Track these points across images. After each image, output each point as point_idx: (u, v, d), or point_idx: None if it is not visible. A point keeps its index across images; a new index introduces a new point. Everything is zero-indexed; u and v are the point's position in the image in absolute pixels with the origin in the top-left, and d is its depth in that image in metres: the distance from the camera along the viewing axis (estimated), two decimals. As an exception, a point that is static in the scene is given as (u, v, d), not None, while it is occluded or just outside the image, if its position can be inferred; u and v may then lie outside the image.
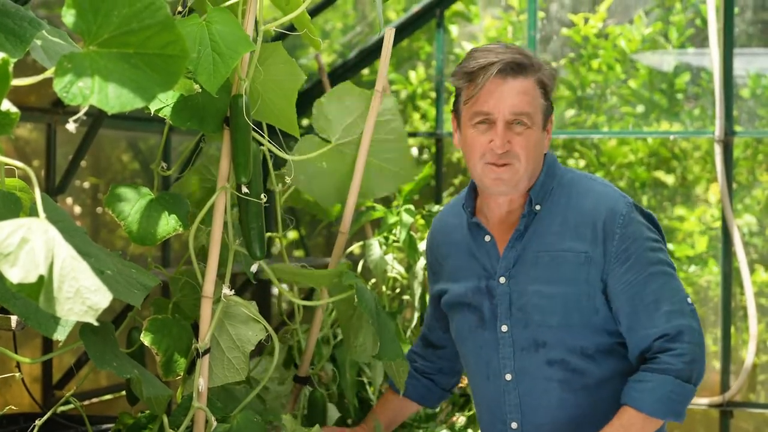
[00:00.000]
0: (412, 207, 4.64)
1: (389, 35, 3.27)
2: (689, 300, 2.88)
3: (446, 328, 3.25)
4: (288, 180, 3.19)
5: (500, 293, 2.97)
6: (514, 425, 2.98)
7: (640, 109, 6.64)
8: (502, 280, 2.97)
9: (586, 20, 6.64)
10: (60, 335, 2.38)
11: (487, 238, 3.00)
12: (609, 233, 2.85)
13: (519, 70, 2.84)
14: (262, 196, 3.01)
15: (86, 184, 5.21)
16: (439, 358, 3.35)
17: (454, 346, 3.26)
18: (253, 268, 3.18)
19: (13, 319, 2.64)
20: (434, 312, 3.29)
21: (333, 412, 3.58)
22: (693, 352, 2.82)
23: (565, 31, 6.72)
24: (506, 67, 2.83)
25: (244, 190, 2.97)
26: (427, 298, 4.78)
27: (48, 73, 2.05)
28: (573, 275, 2.87)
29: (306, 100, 6.20)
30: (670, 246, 6.44)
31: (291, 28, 3.29)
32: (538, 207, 2.93)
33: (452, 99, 3.04)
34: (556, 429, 2.93)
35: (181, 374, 3.03)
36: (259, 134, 3.02)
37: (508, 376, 2.98)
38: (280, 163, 3.23)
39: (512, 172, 2.88)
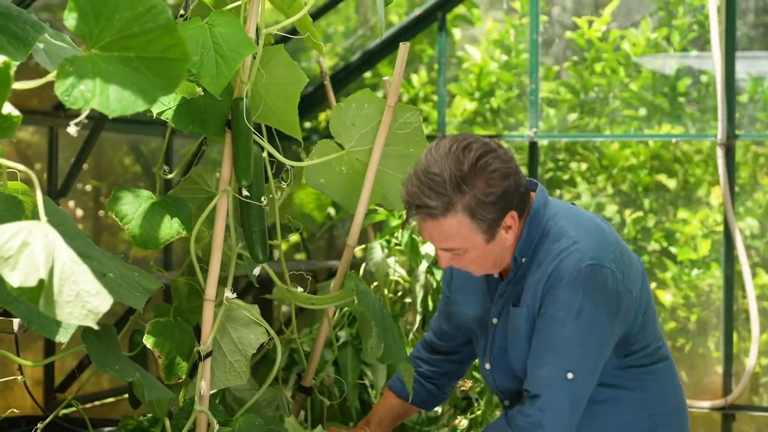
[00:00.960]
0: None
1: (404, 50, 3.23)
2: (570, 375, 2.85)
3: (466, 338, 3.29)
4: (284, 186, 3.19)
5: (491, 333, 3.06)
6: None
7: (642, 112, 6.64)
8: (495, 320, 3.04)
9: (590, 23, 6.64)
10: (62, 337, 2.38)
11: (495, 274, 3.05)
12: (546, 292, 2.89)
13: (434, 216, 2.81)
14: (263, 199, 3.01)
15: (88, 187, 5.22)
16: (448, 362, 3.38)
17: (465, 352, 3.34)
18: (256, 271, 3.18)
19: (15, 321, 2.64)
20: (446, 319, 3.32)
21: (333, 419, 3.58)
22: (539, 418, 2.85)
23: (568, 34, 6.72)
24: (422, 215, 2.83)
25: (245, 193, 2.98)
26: (429, 300, 4.78)
27: (50, 77, 2.05)
28: (523, 329, 2.95)
29: (308, 104, 6.21)
30: (673, 249, 6.44)
31: (293, 31, 3.29)
32: (523, 260, 2.95)
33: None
34: None
35: (183, 377, 3.03)
36: (261, 139, 3.02)
37: (507, 402, 3.11)
38: (280, 167, 3.23)
39: (473, 270, 2.97)
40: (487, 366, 3.06)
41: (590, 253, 2.86)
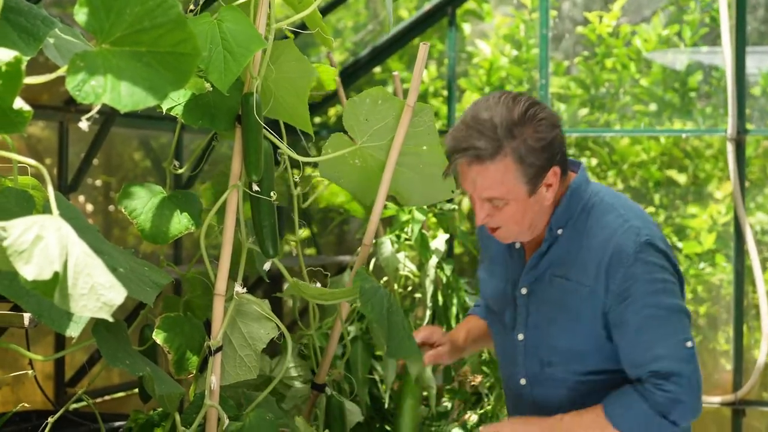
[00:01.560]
0: (424, 206, 4.64)
1: (424, 50, 3.22)
2: (689, 343, 2.87)
3: None
4: (296, 180, 3.19)
5: (520, 303, 3.02)
6: None
7: (652, 107, 6.63)
8: (524, 291, 3.01)
9: (601, 18, 6.63)
10: (73, 332, 2.38)
11: (518, 245, 3.05)
12: (612, 271, 2.85)
13: (481, 159, 2.81)
14: (272, 194, 3.01)
15: (98, 182, 5.23)
16: None
17: None
18: (266, 266, 3.18)
19: (26, 316, 2.65)
20: None
21: (356, 416, 3.56)
22: (678, 393, 2.83)
23: (579, 29, 6.71)
24: (469, 158, 2.82)
25: (255, 188, 2.98)
26: (439, 296, 4.79)
27: (61, 72, 2.05)
28: (578, 306, 2.91)
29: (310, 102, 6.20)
30: (680, 244, 6.43)
31: (303, 26, 3.29)
32: (560, 231, 2.94)
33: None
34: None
35: (193, 372, 3.03)
36: (272, 134, 3.02)
37: (523, 381, 3.05)
38: (294, 162, 3.23)
39: (504, 233, 2.94)
40: (520, 337, 3.02)
41: (644, 231, 2.88)
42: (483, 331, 3.37)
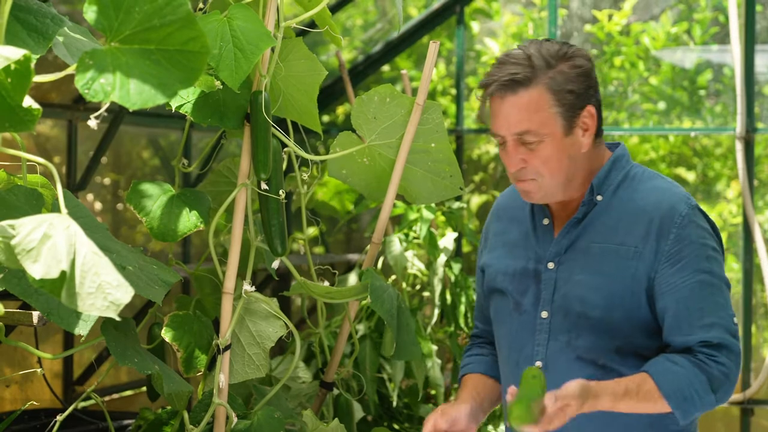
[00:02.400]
0: (432, 203, 4.64)
1: (434, 48, 3.22)
2: (735, 320, 2.80)
3: None
4: (306, 178, 3.19)
5: (546, 278, 2.90)
6: None
7: (661, 106, 6.63)
8: (551, 265, 2.89)
9: (610, 17, 6.63)
10: (82, 330, 2.39)
11: (546, 221, 2.94)
12: (664, 231, 2.78)
13: (515, 85, 2.73)
14: (281, 192, 3.01)
15: (107, 181, 5.23)
16: (492, 351, 3.21)
17: None
18: (275, 264, 3.18)
19: (35, 314, 2.65)
20: (484, 298, 3.18)
21: (358, 413, 3.57)
22: (730, 368, 2.74)
23: (588, 27, 6.71)
24: (501, 86, 2.73)
25: (264, 186, 2.98)
26: (447, 294, 4.78)
27: (70, 70, 2.05)
28: (620, 269, 2.80)
29: (326, 97, 6.21)
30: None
31: (312, 24, 3.29)
32: (599, 197, 2.87)
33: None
34: (576, 421, 2.88)
35: (202, 370, 3.03)
36: (280, 132, 3.02)
37: (538, 363, 2.89)
38: (302, 160, 3.23)
39: (536, 187, 2.81)
40: (544, 314, 2.88)
41: (693, 199, 2.84)
42: (490, 391, 3.12)
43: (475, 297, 4.71)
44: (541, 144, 2.75)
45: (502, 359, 3.05)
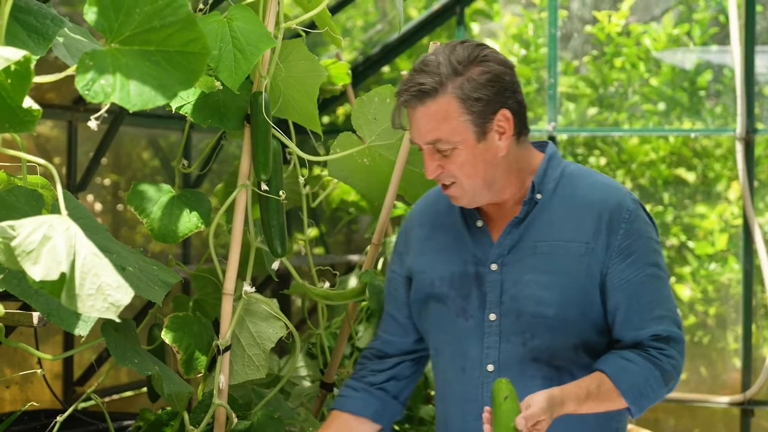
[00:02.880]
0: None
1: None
2: (679, 312, 2.84)
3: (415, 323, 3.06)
4: (303, 179, 3.20)
5: (491, 281, 2.85)
6: None
7: (661, 107, 6.63)
8: (494, 267, 2.85)
9: (610, 17, 6.63)
10: (82, 331, 2.39)
11: (479, 224, 2.90)
12: (614, 227, 2.79)
13: (423, 96, 2.72)
14: (281, 193, 3.01)
15: (107, 182, 5.23)
16: (402, 364, 3.10)
17: (421, 351, 3.09)
18: (274, 265, 3.18)
19: (35, 315, 2.65)
20: (407, 302, 3.05)
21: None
22: (678, 361, 2.77)
23: (588, 28, 6.71)
24: (411, 97, 2.73)
25: (264, 187, 2.98)
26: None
27: (70, 71, 2.06)
28: (573, 267, 2.79)
29: (326, 98, 6.21)
30: (691, 244, 6.43)
31: (312, 25, 3.29)
32: (539, 196, 2.86)
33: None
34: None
35: (202, 372, 3.04)
36: (280, 133, 3.02)
37: (491, 367, 2.84)
38: (301, 162, 3.23)
39: (459, 191, 2.79)
40: (492, 317, 2.83)
41: (632, 194, 2.86)
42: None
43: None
44: (455, 151, 2.74)
45: (442, 366, 2.97)
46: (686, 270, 6.42)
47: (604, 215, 2.79)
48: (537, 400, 2.55)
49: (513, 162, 2.82)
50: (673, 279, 6.46)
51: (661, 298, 2.81)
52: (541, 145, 2.92)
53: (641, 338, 2.77)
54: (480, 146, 2.74)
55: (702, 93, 6.54)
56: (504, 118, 2.76)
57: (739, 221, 5.99)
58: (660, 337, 2.76)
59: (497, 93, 2.74)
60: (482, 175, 2.77)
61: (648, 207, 6.54)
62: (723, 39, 6.43)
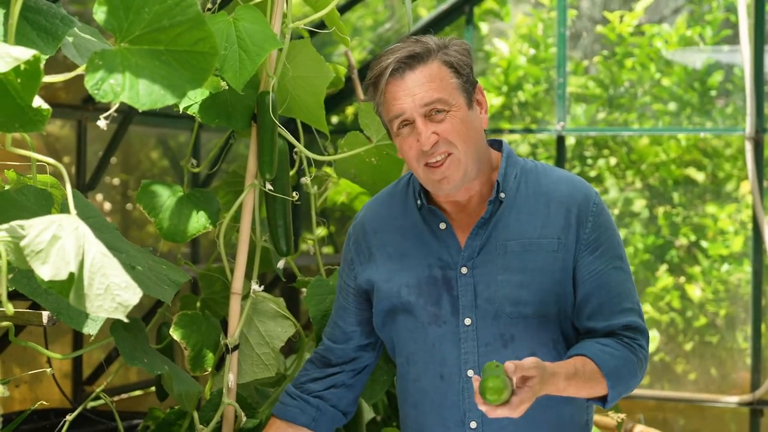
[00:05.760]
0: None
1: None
2: (640, 304, 2.86)
3: (368, 331, 2.98)
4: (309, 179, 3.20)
5: (463, 284, 2.79)
6: (473, 425, 2.80)
7: (671, 107, 6.62)
8: (464, 270, 2.79)
9: (622, 18, 6.62)
10: (91, 330, 2.39)
11: (443, 226, 2.82)
12: (582, 220, 2.77)
13: (414, 61, 2.68)
14: (294, 194, 3.01)
15: (116, 181, 5.24)
16: (344, 373, 3.03)
17: (364, 360, 3.02)
18: (280, 264, 3.18)
19: (45, 314, 2.65)
20: (355, 312, 2.98)
21: (368, 414, 3.56)
22: (647, 353, 2.78)
23: (599, 28, 6.70)
24: (399, 64, 2.68)
25: (269, 186, 2.98)
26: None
27: (79, 70, 2.06)
28: (547, 263, 2.76)
29: (335, 97, 6.22)
30: (704, 244, 6.42)
31: (321, 25, 3.29)
32: (502, 195, 2.82)
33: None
34: (517, 424, 2.82)
35: (209, 369, 3.04)
36: (285, 132, 3.03)
37: (470, 372, 2.78)
38: (309, 161, 3.23)
39: (454, 164, 2.71)
40: (467, 321, 2.77)
41: (593, 188, 2.87)
42: None
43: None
44: (449, 114, 2.68)
45: (414, 375, 2.88)
46: (696, 270, 6.41)
47: (573, 209, 2.78)
48: (529, 359, 2.52)
49: (483, 150, 2.79)
50: (682, 279, 6.45)
51: (627, 290, 2.81)
52: (493, 143, 2.89)
53: (614, 328, 2.76)
54: (470, 113, 2.73)
55: (712, 93, 6.53)
56: (480, 91, 2.77)
57: (749, 220, 5.98)
58: (630, 327, 2.76)
59: (472, 69, 2.76)
60: (474, 144, 2.73)
61: (658, 207, 6.55)
62: (733, 39, 6.42)
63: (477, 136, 2.74)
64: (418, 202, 2.84)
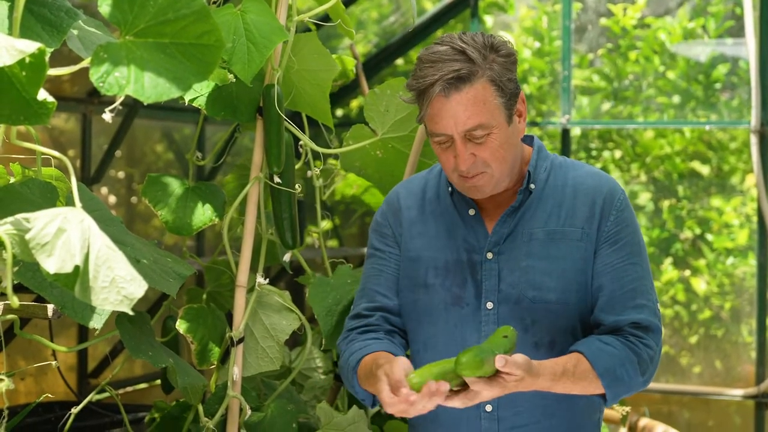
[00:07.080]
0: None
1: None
2: (659, 305, 2.85)
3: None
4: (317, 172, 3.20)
5: (487, 269, 2.84)
6: (488, 408, 2.86)
7: (676, 99, 6.61)
8: (490, 255, 2.83)
9: (625, 10, 6.61)
10: (96, 323, 2.39)
11: (472, 212, 2.87)
12: (606, 213, 2.80)
13: (461, 82, 2.67)
14: (297, 186, 3.01)
15: (121, 174, 5.24)
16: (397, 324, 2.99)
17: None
18: (286, 257, 3.18)
19: (50, 307, 2.66)
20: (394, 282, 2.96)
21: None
22: (655, 352, 2.78)
23: (603, 21, 6.69)
24: (446, 84, 2.66)
25: (276, 179, 2.98)
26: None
27: (84, 63, 2.06)
28: (570, 252, 2.80)
29: (340, 91, 6.21)
30: (709, 237, 6.41)
31: (326, 18, 3.29)
32: (532, 186, 2.85)
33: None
34: (533, 411, 2.85)
35: (216, 363, 3.04)
36: (292, 125, 3.02)
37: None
38: (315, 154, 3.23)
39: (487, 179, 2.76)
40: (489, 305, 2.81)
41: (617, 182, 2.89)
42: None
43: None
44: (490, 136, 2.70)
45: (430, 359, 2.82)
46: (702, 263, 6.41)
47: (598, 201, 2.81)
48: (522, 356, 2.53)
49: (517, 158, 2.82)
50: (687, 272, 6.44)
51: (644, 288, 2.82)
52: (524, 139, 2.92)
53: (621, 324, 2.77)
54: (509, 129, 2.75)
55: (717, 86, 6.52)
56: (521, 100, 2.78)
57: (754, 214, 5.97)
58: (639, 325, 2.76)
59: (516, 77, 2.76)
60: (510, 159, 2.77)
61: (663, 200, 6.54)
62: (738, 31, 6.41)
63: (513, 151, 2.78)
64: (449, 188, 2.89)
